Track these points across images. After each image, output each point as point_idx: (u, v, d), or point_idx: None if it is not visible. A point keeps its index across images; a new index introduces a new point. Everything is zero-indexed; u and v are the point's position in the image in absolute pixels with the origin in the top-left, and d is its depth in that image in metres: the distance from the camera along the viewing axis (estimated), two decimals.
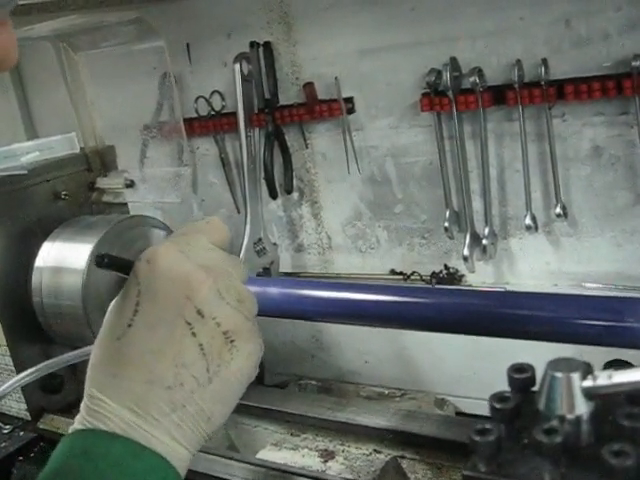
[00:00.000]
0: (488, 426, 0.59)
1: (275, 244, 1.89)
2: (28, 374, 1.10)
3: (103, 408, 0.63)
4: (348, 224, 1.82)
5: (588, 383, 0.58)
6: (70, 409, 1.43)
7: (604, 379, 0.57)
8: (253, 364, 0.68)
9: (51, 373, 1.41)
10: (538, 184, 1.53)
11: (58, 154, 1.46)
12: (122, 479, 0.60)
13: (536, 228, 1.54)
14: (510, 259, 1.63)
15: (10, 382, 1.09)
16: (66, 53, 1.49)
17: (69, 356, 1.10)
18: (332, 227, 1.84)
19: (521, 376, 0.66)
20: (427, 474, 1.15)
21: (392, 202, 1.73)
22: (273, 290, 1.02)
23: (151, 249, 0.67)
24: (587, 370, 0.59)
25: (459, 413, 1.66)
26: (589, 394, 0.58)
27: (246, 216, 1.81)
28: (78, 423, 0.64)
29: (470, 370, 1.66)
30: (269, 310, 1.04)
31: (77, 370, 1.44)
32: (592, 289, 1.51)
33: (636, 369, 0.56)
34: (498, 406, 0.62)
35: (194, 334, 0.64)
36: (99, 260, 0.69)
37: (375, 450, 1.21)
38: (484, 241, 1.58)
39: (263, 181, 1.82)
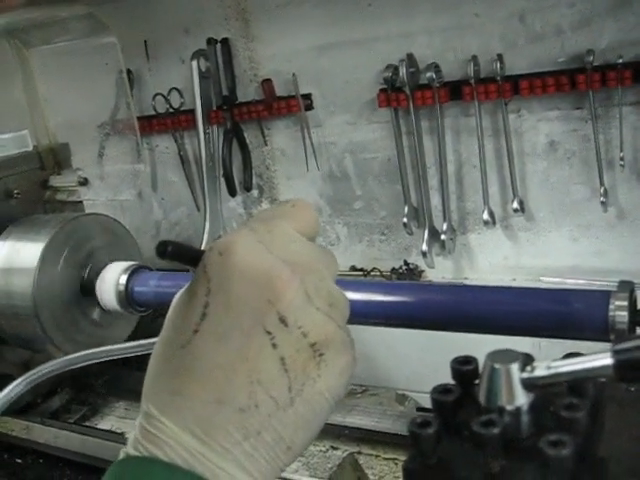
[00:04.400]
0: (428, 419, 0.58)
1: None
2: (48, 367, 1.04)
3: (162, 432, 0.53)
4: None
5: (526, 374, 0.58)
6: (25, 410, 1.41)
7: (542, 370, 0.57)
8: (344, 382, 0.57)
9: (4, 374, 1.40)
10: (495, 179, 1.54)
11: (10, 152, 1.44)
12: None
13: (494, 223, 1.55)
14: (469, 254, 1.63)
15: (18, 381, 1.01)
16: (18, 49, 1.46)
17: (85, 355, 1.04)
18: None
19: (464, 368, 0.65)
20: (384, 469, 1.16)
21: (351, 198, 1.73)
22: None
23: (225, 238, 0.56)
24: (526, 361, 0.59)
25: (420, 409, 1.66)
26: (528, 385, 0.58)
27: (205, 214, 1.80)
28: (132, 447, 0.53)
29: (431, 365, 1.66)
30: None
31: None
32: (549, 283, 1.52)
33: (573, 359, 0.56)
34: (439, 399, 0.62)
35: (275, 345, 0.53)
36: (161, 249, 0.56)
37: (332, 447, 1.21)
38: (443, 236, 1.59)
39: (222, 178, 1.81)
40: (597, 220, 1.48)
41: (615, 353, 0.53)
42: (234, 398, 0.52)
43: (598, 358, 0.54)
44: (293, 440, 0.54)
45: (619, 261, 1.47)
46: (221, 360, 0.53)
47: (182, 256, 0.57)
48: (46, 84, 1.54)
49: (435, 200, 1.60)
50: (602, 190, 1.42)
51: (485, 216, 1.54)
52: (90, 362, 1.06)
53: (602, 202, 1.43)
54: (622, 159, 1.39)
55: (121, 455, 0.54)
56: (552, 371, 0.57)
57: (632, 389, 0.99)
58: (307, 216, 0.61)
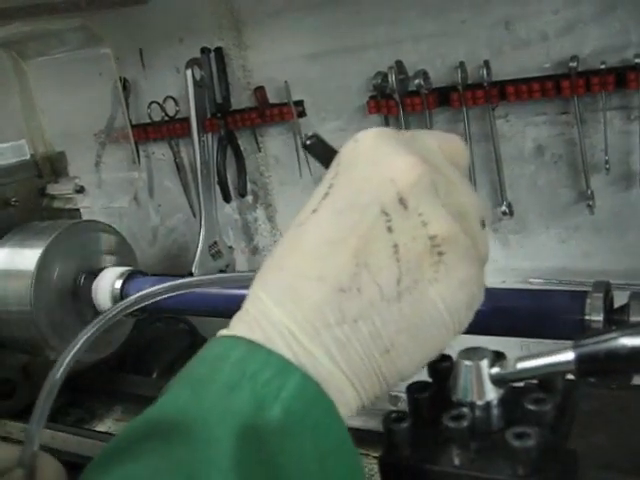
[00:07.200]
0: (402, 414, 0.61)
1: (231, 247, 1.91)
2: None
3: (256, 307, 0.49)
4: None
5: (495, 370, 0.60)
6: (23, 415, 1.43)
7: (510, 366, 0.60)
8: (463, 299, 0.51)
9: (3, 378, 1.42)
10: (484, 183, 1.57)
11: (8, 161, 1.47)
12: (250, 388, 0.45)
13: (483, 226, 1.57)
14: None
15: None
16: (15, 61, 1.49)
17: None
18: (286, 230, 1.85)
19: (439, 366, 0.68)
20: (373, 468, 1.17)
21: None
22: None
23: (365, 130, 0.54)
24: (496, 358, 0.62)
25: None
26: (497, 381, 0.60)
27: (201, 220, 1.82)
28: (226, 329, 0.51)
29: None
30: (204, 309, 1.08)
31: (30, 375, 1.45)
32: (538, 285, 1.55)
33: (539, 356, 0.59)
34: (414, 395, 0.65)
35: (390, 229, 0.48)
36: (305, 140, 0.58)
37: None
38: None
39: (217, 185, 1.83)
40: (584, 222, 1.50)
41: (576, 347, 0.56)
42: (336, 276, 0.48)
43: (561, 353, 0.57)
44: (393, 342, 0.49)
45: (606, 262, 1.50)
46: (331, 235, 0.50)
47: (319, 151, 0.59)
48: (43, 94, 1.56)
49: None
50: (589, 193, 1.45)
51: None
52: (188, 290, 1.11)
53: (589, 205, 1.45)
54: (607, 162, 1.41)
55: None
56: (519, 367, 0.59)
57: (613, 387, 1.01)
58: (456, 143, 0.58)
